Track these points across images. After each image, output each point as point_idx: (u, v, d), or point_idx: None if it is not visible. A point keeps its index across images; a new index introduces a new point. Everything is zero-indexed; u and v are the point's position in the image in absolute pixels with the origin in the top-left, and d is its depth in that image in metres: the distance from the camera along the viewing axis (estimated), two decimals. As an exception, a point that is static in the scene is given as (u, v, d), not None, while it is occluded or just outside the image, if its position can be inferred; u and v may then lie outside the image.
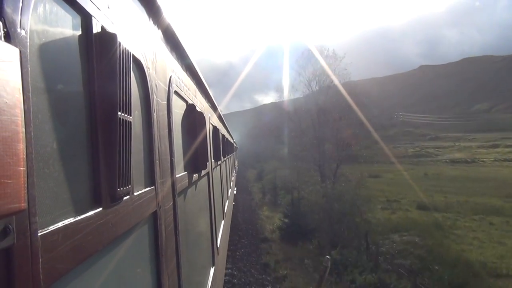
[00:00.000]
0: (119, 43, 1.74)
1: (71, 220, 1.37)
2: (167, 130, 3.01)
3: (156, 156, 2.62)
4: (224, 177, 12.61)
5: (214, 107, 8.23)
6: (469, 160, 78.13)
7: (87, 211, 1.52)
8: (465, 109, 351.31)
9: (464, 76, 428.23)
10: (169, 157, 3.02)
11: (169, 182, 2.97)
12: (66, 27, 1.48)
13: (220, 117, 10.69)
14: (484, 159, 79.71)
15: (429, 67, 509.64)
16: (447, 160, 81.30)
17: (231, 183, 20.61)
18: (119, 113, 1.73)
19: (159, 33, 2.93)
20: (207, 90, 6.28)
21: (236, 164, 39.63)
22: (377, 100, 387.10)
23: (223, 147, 11.88)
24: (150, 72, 2.55)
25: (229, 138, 20.23)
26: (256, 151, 77.31)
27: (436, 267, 20.52)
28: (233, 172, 26.53)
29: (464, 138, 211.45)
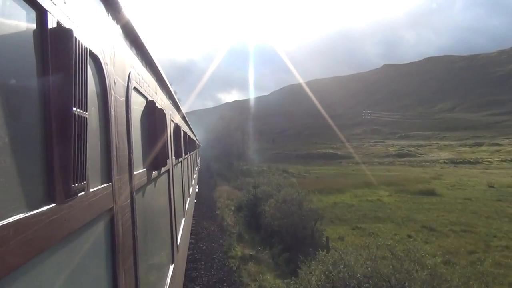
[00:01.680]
0: (75, 39, 1.76)
1: (23, 215, 1.37)
2: (125, 127, 2.95)
3: (113, 153, 2.59)
4: (185, 174, 12.47)
5: (175, 105, 8.14)
6: (471, 160, 68.37)
7: (40, 207, 1.52)
8: (428, 108, 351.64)
9: (426, 76, 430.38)
10: (127, 153, 2.97)
11: (126, 179, 2.91)
12: (20, 22, 1.49)
13: (182, 115, 10.44)
14: (489, 160, 70.20)
15: (392, 66, 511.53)
16: (445, 161, 71.33)
17: (193, 180, 20.29)
18: (74, 108, 1.73)
19: (118, 29, 2.88)
20: (168, 87, 6.13)
21: (199, 161, 39.57)
22: (342, 98, 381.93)
23: (184, 144, 11.59)
24: (108, 68, 2.51)
25: (192, 136, 19.55)
26: (221, 148, 67.58)
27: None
28: (196, 170, 26.12)
29: (435, 137, 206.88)
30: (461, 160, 68.67)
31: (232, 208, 28.97)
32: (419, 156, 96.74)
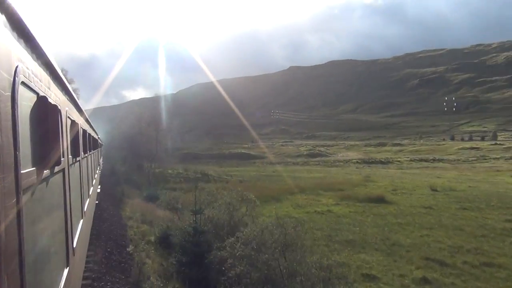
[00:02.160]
0: None
1: None
2: (10, 123, 2.76)
3: None
4: (85, 174, 11.27)
5: (73, 101, 7.33)
6: (383, 160, 69.38)
7: None
8: (332, 109, 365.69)
9: (330, 78, 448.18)
10: (12, 151, 2.79)
11: (12, 178, 2.75)
12: None
13: (80, 111, 9.37)
14: (399, 159, 71.77)
15: (298, 68, 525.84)
16: (358, 161, 71.78)
17: (94, 180, 17.52)
18: None
19: (2, 19, 2.65)
20: (64, 82, 5.63)
21: (101, 161, 36.33)
22: (251, 98, 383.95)
23: (84, 143, 10.47)
24: None
25: (93, 134, 16.89)
26: (128, 148, 60.80)
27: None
28: (97, 169, 24.36)
29: (339, 137, 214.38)
30: (372, 160, 69.53)
31: (152, 239, 19.17)
32: (330, 156, 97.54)
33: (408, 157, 74.79)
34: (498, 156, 70.00)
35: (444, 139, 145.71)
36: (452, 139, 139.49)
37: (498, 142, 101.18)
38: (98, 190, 25.35)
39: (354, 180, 31.01)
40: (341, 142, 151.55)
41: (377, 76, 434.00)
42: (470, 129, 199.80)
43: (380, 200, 25.43)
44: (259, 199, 20.31)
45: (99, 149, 29.98)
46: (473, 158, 69.03)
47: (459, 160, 68.15)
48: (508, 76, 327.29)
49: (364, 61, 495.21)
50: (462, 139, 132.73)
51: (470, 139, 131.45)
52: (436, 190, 26.88)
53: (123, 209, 25.44)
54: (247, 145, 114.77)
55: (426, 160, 68.97)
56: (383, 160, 69.39)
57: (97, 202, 22.57)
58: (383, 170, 48.58)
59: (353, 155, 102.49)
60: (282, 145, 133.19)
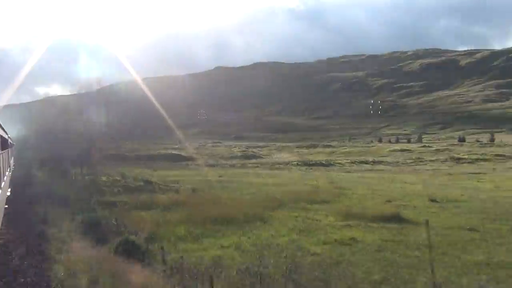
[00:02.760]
0: None
1: None
2: None
3: None
4: None
5: None
6: (324, 162, 67.41)
7: None
8: (259, 110, 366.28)
9: (256, 80, 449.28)
10: None
11: None
12: None
13: None
14: (340, 161, 70.21)
15: (224, 69, 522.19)
16: (298, 163, 69.26)
17: (3, 183, 16.99)
18: None
19: None
20: None
21: (12, 161, 33.18)
22: (176, 98, 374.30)
23: None
24: None
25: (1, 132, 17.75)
26: (49, 150, 53.00)
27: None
28: (7, 171, 21.80)
29: (267, 138, 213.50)
30: (313, 162, 67.55)
31: None
32: (264, 157, 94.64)
33: (348, 159, 73.59)
34: (433, 158, 71.01)
35: (372, 141, 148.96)
36: (380, 141, 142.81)
37: (427, 145, 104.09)
38: (8, 194, 21.75)
39: (325, 187, 26.59)
40: (272, 143, 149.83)
41: (301, 79, 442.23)
42: (391, 131, 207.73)
43: (396, 218, 19.07)
44: (235, 219, 15.78)
45: (9, 149, 27.41)
46: (410, 161, 69.38)
47: (397, 162, 68.07)
48: (423, 82, 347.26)
49: (288, 64, 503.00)
50: (390, 141, 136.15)
51: (397, 141, 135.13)
52: (436, 201, 22.19)
53: (50, 265, 12.58)
54: (176, 146, 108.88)
55: (366, 162, 68.14)
56: (324, 162, 67.59)
57: (6, 206, 19.03)
58: (334, 173, 46.06)
59: (288, 156, 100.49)
60: (213, 146, 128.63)
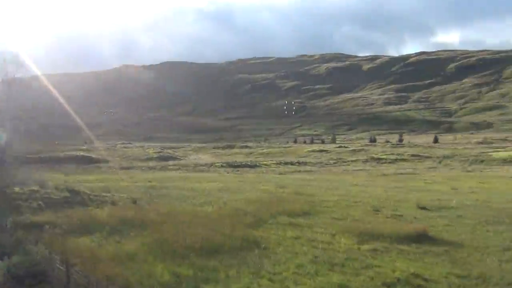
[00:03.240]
0: None
1: None
2: None
3: None
4: None
5: None
6: (249, 163, 64.90)
7: None
8: (169, 110, 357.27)
9: (166, 79, 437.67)
10: None
11: None
12: None
13: None
14: (265, 163, 68.09)
15: (131, 67, 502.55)
16: (222, 164, 65.96)
17: None
18: None
19: None
20: None
21: None
22: (79, 96, 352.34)
23: None
24: None
25: None
26: None
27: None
28: None
29: (180, 139, 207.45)
30: (238, 164, 64.85)
31: None
32: (182, 159, 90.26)
33: (273, 160, 71.92)
34: (353, 159, 71.89)
35: (288, 142, 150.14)
36: (295, 141, 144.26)
37: (343, 145, 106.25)
38: None
39: (283, 194, 22.78)
40: (186, 144, 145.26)
41: (212, 79, 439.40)
42: (302, 132, 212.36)
43: (424, 237, 15.33)
44: (222, 246, 11.54)
45: None
46: (333, 161, 69.57)
47: (321, 162, 67.82)
48: (329, 85, 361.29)
49: (199, 64, 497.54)
50: (305, 142, 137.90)
51: (312, 142, 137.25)
52: (426, 209, 19.02)
53: None
54: (84, 147, 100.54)
55: (291, 163, 66.95)
56: (249, 163, 65.24)
57: None
58: (268, 175, 43.60)
59: (206, 157, 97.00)
60: (124, 147, 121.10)
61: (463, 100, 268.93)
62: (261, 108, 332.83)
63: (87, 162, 77.69)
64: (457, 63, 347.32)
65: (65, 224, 13.62)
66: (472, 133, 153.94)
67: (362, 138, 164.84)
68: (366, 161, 68.35)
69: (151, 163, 75.47)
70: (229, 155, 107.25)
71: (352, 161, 69.44)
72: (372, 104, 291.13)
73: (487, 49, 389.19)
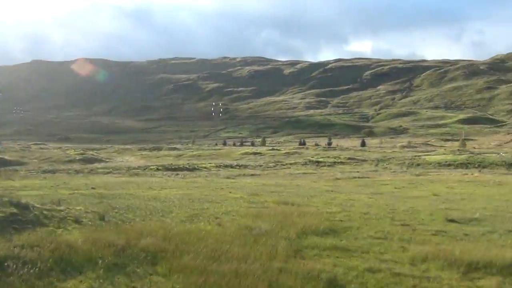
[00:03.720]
0: None
1: None
2: None
3: None
4: None
5: None
6: (188, 167, 60.83)
7: None
8: (85, 109, 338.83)
9: (81, 77, 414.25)
10: None
11: None
12: None
13: None
14: (206, 166, 64.31)
15: (42, 63, 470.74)
16: (158, 167, 61.35)
17: None
18: None
19: None
20: None
21: None
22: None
23: None
24: None
25: None
26: None
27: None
28: None
29: (98, 140, 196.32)
30: (176, 167, 60.69)
31: None
32: (108, 161, 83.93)
33: (211, 163, 68.41)
34: (292, 162, 70.62)
35: (216, 144, 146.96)
36: (225, 144, 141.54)
37: (275, 148, 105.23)
38: None
39: (270, 205, 18.49)
40: (109, 146, 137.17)
41: (131, 78, 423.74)
42: (228, 134, 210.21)
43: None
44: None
45: None
46: (272, 164, 67.70)
47: (261, 165, 65.64)
48: (252, 88, 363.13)
49: (117, 62, 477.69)
50: (234, 144, 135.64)
51: (242, 144, 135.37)
52: (455, 221, 16.02)
53: None
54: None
55: (231, 166, 64.04)
56: (188, 166, 61.35)
57: None
58: (222, 179, 40.31)
59: (134, 160, 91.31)
60: (41, 148, 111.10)
61: (378, 106, 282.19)
62: (183, 109, 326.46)
63: (0, 164, 69.21)
64: (372, 71, 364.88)
65: (33, 260, 9.13)
66: (392, 138, 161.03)
67: (289, 141, 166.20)
68: (305, 164, 67.25)
69: (75, 166, 68.71)
70: (158, 157, 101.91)
71: (291, 164, 68.05)
72: (294, 108, 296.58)
73: (397, 58, 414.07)
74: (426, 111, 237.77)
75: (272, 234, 12.08)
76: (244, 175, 50.35)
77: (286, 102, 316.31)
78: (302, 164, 67.22)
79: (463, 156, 62.47)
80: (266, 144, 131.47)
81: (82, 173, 53.05)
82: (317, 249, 10.87)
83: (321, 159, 72.00)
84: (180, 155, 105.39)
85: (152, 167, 60.65)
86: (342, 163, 67.54)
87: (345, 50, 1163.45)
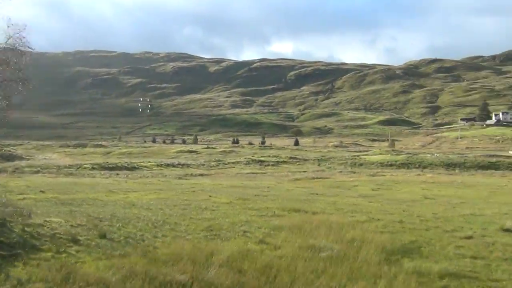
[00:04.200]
0: None
1: None
2: None
3: None
4: None
5: None
6: (127, 165, 56.11)
7: None
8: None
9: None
10: None
11: None
12: None
13: None
14: (145, 164, 59.78)
15: None
16: (94, 166, 55.74)
17: None
18: None
19: None
20: None
21: None
22: None
23: None
24: None
25: None
26: None
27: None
28: None
29: (9, 136, 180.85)
30: (114, 166, 55.72)
31: None
32: (29, 158, 76.41)
33: (150, 162, 64.08)
34: (234, 161, 68.35)
35: (145, 141, 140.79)
36: (154, 141, 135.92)
37: (211, 146, 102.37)
38: None
39: (286, 214, 16.03)
40: (26, 142, 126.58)
41: (45, 70, 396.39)
42: (154, 132, 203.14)
43: None
44: None
45: None
46: (214, 163, 64.99)
47: (203, 165, 62.66)
48: (176, 84, 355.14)
49: (30, 51, 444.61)
50: (164, 142, 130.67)
51: (172, 142, 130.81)
52: (509, 231, 14.51)
53: None
54: None
55: (173, 165, 60.20)
56: (126, 165, 56.72)
57: None
58: (178, 181, 36.89)
59: (58, 157, 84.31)
60: None
61: (302, 106, 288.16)
62: (103, 105, 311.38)
63: None
64: (296, 72, 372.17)
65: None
66: (320, 137, 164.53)
67: (220, 139, 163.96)
68: (248, 163, 65.30)
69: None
70: (83, 154, 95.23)
71: (233, 163, 65.79)
72: (220, 106, 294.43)
73: (318, 60, 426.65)
74: (348, 112, 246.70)
75: (349, 256, 9.75)
76: (192, 175, 47.35)
77: (212, 100, 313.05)
78: (245, 163, 65.27)
79: (401, 156, 64.22)
80: (198, 142, 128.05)
81: (6, 173, 46.94)
82: (435, 278, 8.61)
83: (262, 158, 70.50)
84: (108, 153, 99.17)
85: (85, 165, 55.42)
86: (285, 162, 66.51)
87: (267, 50, 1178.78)
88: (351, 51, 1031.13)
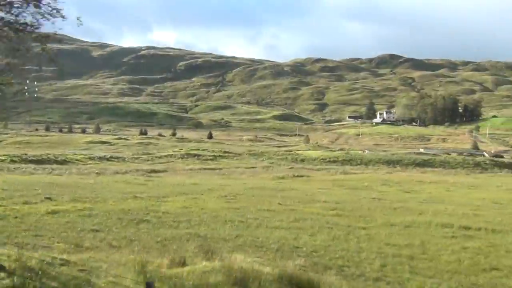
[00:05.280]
0: None
1: None
2: None
3: None
4: None
5: None
6: (56, 158, 48.12)
7: None
8: None
9: None
10: None
11: None
12: None
13: None
14: (78, 158, 51.89)
15: None
16: (13, 159, 46.61)
17: None
18: None
19: None
20: None
21: None
22: None
23: None
24: None
25: None
26: None
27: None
28: None
29: None
30: (40, 159, 47.47)
31: None
32: None
33: (86, 155, 56.32)
34: (165, 154, 63.26)
35: (37, 129, 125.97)
36: (48, 129, 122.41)
37: (122, 137, 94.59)
38: None
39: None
40: None
41: None
42: (36, 118, 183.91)
43: None
44: None
45: None
46: (146, 156, 59.49)
47: (137, 158, 56.98)
48: (55, 68, 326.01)
49: None
50: (61, 130, 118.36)
51: (70, 131, 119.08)
52: None
53: None
54: None
55: (107, 159, 53.37)
56: (55, 158, 48.78)
57: None
58: (134, 178, 31.89)
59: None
60: None
61: (194, 98, 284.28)
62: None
63: None
64: (185, 62, 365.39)
65: None
66: (224, 130, 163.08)
67: (120, 130, 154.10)
68: (183, 157, 61.04)
69: None
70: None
71: (166, 156, 61.02)
72: (107, 93, 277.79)
73: (207, 52, 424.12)
74: (242, 106, 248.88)
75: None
76: (154, 171, 42.49)
77: (97, 86, 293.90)
78: (181, 157, 61.02)
79: (337, 153, 65.27)
80: (100, 132, 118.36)
81: None
82: None
83: (196, 152, 66.64)
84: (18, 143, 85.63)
85: (2, 157, 46.78)
86: (221, 156, 63.65)
87: (149, 38, 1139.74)
88: (234, 45, 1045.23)
